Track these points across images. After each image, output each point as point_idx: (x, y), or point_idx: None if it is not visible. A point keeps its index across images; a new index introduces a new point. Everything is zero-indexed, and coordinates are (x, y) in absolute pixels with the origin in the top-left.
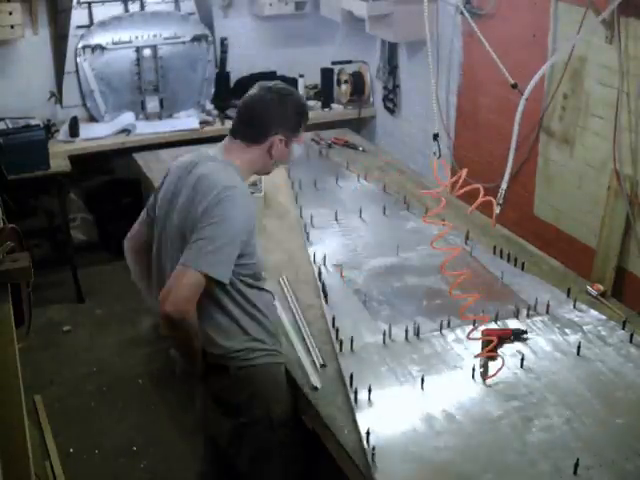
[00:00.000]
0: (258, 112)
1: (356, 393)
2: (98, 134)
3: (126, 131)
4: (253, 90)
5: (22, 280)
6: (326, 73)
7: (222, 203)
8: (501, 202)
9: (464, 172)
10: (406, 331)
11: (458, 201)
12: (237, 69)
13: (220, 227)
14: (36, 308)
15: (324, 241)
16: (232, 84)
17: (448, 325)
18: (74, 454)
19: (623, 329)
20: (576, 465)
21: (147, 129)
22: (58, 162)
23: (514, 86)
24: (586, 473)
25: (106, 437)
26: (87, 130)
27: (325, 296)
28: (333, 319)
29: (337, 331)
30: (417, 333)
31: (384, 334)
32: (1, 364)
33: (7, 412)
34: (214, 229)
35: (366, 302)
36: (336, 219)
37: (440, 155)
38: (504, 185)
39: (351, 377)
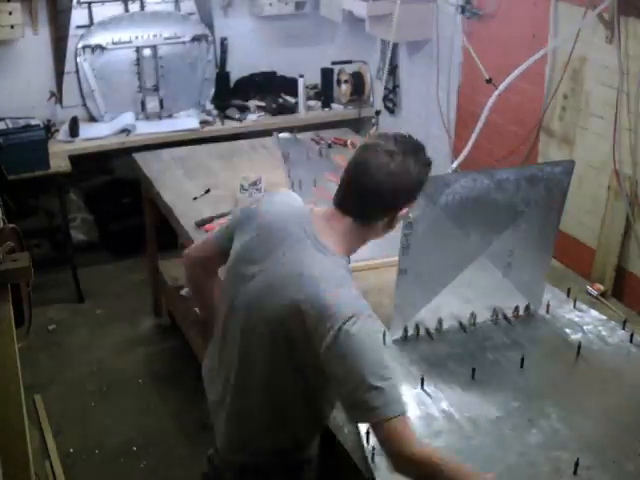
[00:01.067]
0: (381, 187)
1: None
2: (98, 134)
3: (126, 131)
4: (364, 152)
5: (22, 280)
6: (326, 73)
7: (354, 340)
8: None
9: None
10: (405, 330)
11: None
12: (237, 69)
13: (376, 369)
14: (36, 308)
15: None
16: (232, 84)
17: None
18: (74, 454)
19: (623, 329)
20: (576, 465)
21: (147, 129)
22: (58, 162)
23: (489, 81)
24: (586, 473)
25: (106, 437)
26: (87, 130)
27: None
28: None
29: None
30: (417, 332)
31: (384, 334)
32: (1, 364)
33: (7, 412)
34: (371, 374)
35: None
36: None
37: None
38: (454, 164)
39: None
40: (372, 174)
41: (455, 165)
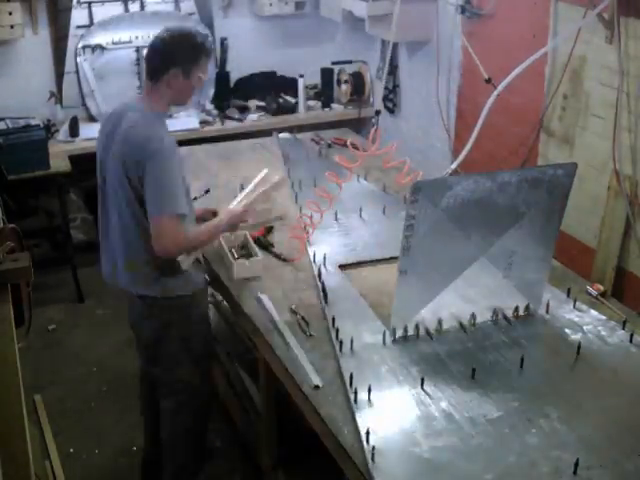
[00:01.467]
0: (153, 51)
1: (356, 393)
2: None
3: None
4: (156, 36)
5: (22, 280)
6: (326, 73)
7: (155, 156)
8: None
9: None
10: (405, 330)
11: None
12: (237, 69)
13: (164, 175)
14: (36, 308)
15: (324, 241)
16: (232, 84)
17: None
18: (74, 454)
19: (623, 329)
20: (576, 465)
21: None
22: (58, 162)
23: (488, 81)
24: (586, 473)
25: (106, 437)
26: (87, 130)
27: (325, 296)
28: (333, 319)
29: (337, 331)
30: (417, 333)
31: (384, 334)
32: (1, 364)
33: (7, 412)
34: (160, 178)
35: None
36: (336, 219)
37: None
38: (453, 165)
39: (351, 377)
40: (153, 46)
41: (454, 166)
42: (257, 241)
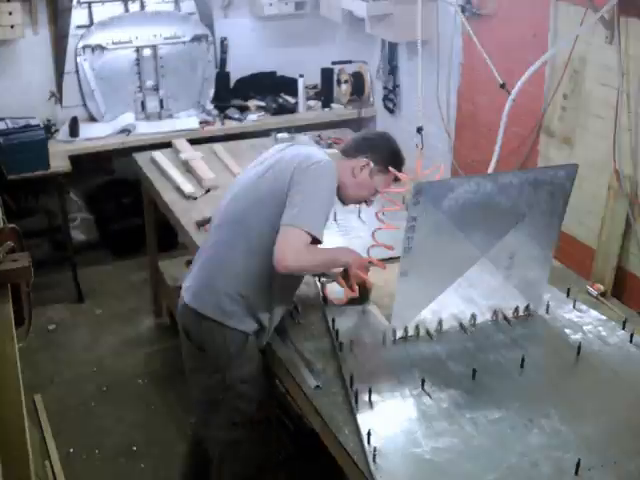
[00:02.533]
0: (363, 135)
1: (356, 394)
2: (98, 134)
3: (126, 131)
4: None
5: (22, 280)
6: (326, 73)
7: (317, 171)
8: None
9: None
10: (405, 331)
11: None
12: (237, 69)
13: (317, 193)
14: (36, 308)
15: (323, 242)
16: (232, 84)
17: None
18: (74, 454)
19: (623, 329)
20: (577, 465)
21: (147, 129)
22: (58, 162)
23: (502, 86)
24: (588, 474)
25: (106, 437)
26: (87, 130)
27: (324, 297)
28: (333, 320)
29: (337, 332)
30: (417, 333)
31: (384, 335)
32: (1, 364)
33: (7, 412)
34: (312, 194)
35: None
36: (335, 219)
37: (423, 147)
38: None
39: (351, 378)
40: (365, 132)
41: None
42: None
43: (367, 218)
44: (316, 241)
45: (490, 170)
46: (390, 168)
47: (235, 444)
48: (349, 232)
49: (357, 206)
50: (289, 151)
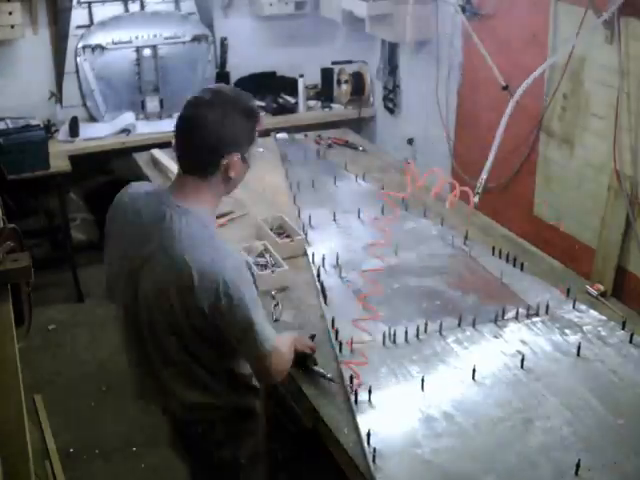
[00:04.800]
0: (198, 138)
1: (356, 394)
2: (98, 134)
3: (126, 131)
4: (187, 109)
5: (22, 280)
6: (326, 73)
7: (230, 290)
8: (480, 191)
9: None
10: (406, 332)
11: (460, 202)
12: (237, 69)
13: (246, 307)
14: (36, 308)
15: (323, 242)
16: (232, 84)
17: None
18: (74, 454)
19: (623, 329)
20: (577, 466)
21: (147, 129)
22: (58, 162)
23: (505, 88)
24: (587, 474)
25: (106, 437)
26: (87, 130)
27: (324, 297)
28: (332, 320)
29: (337, 332)
30: (417, 334)
31: (384, 335)
32: (1, 364)
33: (7, 412)
34: (244, 312)
35: (365, 303)
36: (334, 219)
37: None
38: (484, 175)
39: (351, 378)
40: (194, 128)
41: (485, 176)
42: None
43: (366, 218)
44: None
45: (487, 170)
46: (255, 131)
47: None
48: (348, 232)
49: (357, 208)
50: (182, 247)
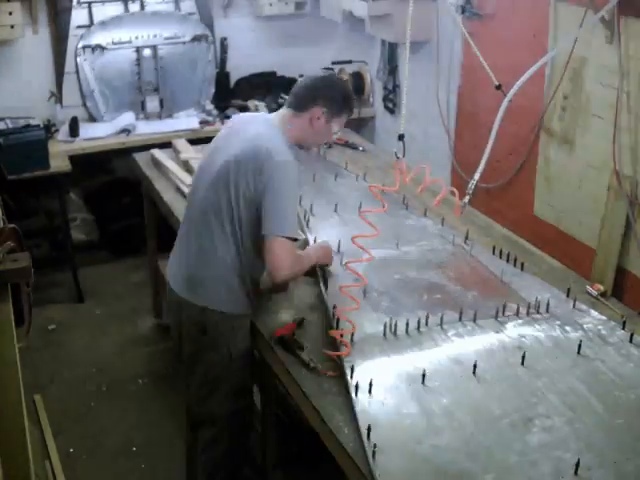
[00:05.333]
0: (307, 84)
1: (357, 388)
2: (98, 134)
3: (126, 131)
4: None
5: (22, 280)
6: None
7: (279, 172)
8: (470, 192)
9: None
10: (407, 325)
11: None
12: (237, 69)
13: (282, 194)
14: (36, 308)
15: (324, 230)
16: (232, 84)
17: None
18: (74, 454)
19: (623, 329)
20: (577, 465)
21: (147, 129)
22: (58, 162)
23: (498, 87)
24: (587, 473)
25: (106, 437)
26: (87, 130)
27: (325, 284)
28: (333, 316)
29: (337, 320)
30: (418, 327)
31: (385, 326)
32: (1, 364)
33: (7, 412)
34: (281, 198)
35: (366, 292)
36: (335, 210)
37: (404, 155)
38: (476, 176)
39: (352, 369)
40: (306, 80)
41: (477, 177)
42: (281, 340)
43: (368, 214)
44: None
45: (479, 171)
46: (344, 112)
47: (231, 415)
48: (348, 223)
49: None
50: (251, 139)
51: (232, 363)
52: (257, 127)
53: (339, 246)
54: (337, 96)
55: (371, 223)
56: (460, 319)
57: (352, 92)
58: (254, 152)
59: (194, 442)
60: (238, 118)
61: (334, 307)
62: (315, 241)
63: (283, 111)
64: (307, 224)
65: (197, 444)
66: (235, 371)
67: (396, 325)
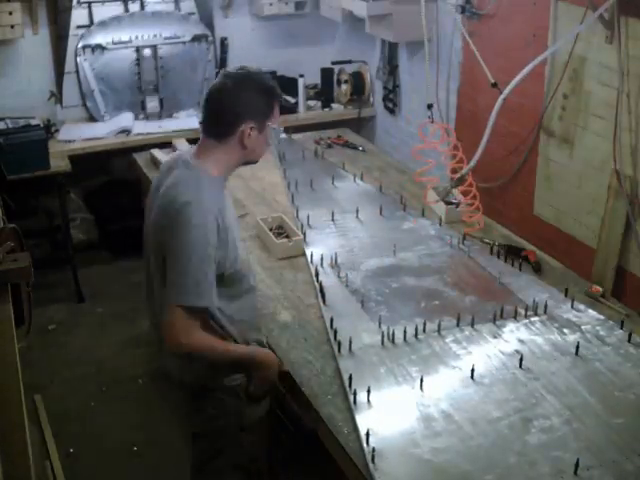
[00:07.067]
0: (219, 104)
1: (355, 394)
2: (98, 134)
3: (126, 131)
4: (215, 80)
5: (22, 280)
6: (326, 73)
7: (178, 226)
8: (459, 178)
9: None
10: (404, 332)
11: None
12: None
13: (184, 254)
14: (36, 308)
15: (321, 242)
16: None
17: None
18: (74, 454)
19: (621, 329)
20: (576, 465)
21: (147, 129)
22: (58, 162)
23: (494, 85)
24: (586, 473)
25: (106, 437)
26: (87, 130)
27: (323, 297)
28: (331, 320)
29: (335, 332)
30: (416, 334)
31: (382, 335)
32: (1, 364)
33: (7, 412)
34: (180, 257)
35: (364, 303)
36: (332, 219)
37: (433, 120)
38: (464, 171)
39: (350, 378)
40: (214, 98)
41: (465, 171)
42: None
43: (365, 218)
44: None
45: (466, 170)
46: (274, 107)
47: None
48: (347, 232)
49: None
50: (162, 194)
51: (243, 434)
52: (174, 175)
53: (336, 259)
54: (258, 99)
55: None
56: (458, 324)
57: (265, 75)
58: (164, 208)
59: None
60: (163, 165)
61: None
62: (312, 254)
63: (202, 142)
64: (305, 238)
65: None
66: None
67: (394, 334)
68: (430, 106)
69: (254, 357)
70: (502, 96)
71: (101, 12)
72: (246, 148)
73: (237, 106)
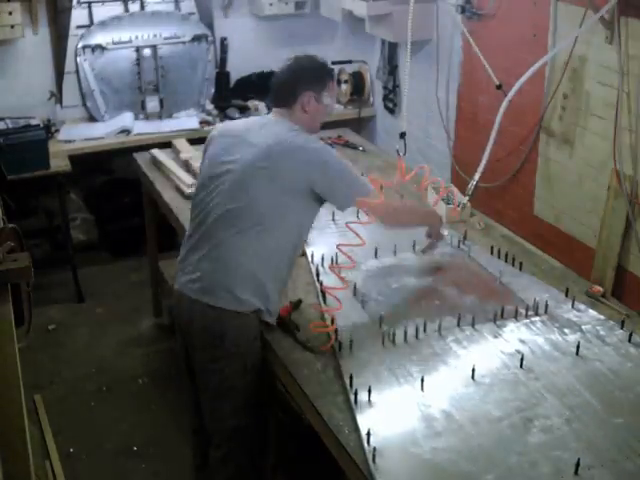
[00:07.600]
0: (282, 79)
1: (356, 394)
2: (98, 134)
3: (126, 131)
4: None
5: (22, 280)
6: None
7: (317, 153)
8: (470, 193)
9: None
10: (405, 332)
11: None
12: (237, 69)
13: (336, 167)
14: (36, 308)
15: (321, 241)
16: (232, 84)
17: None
18: (74, 454)
19: (622, 329)
20: (577, 465)
21: (147, 129)
22: (58, 162)
23: (499, 87)
24: (587, 473)
25: (106, 437)
26: (87, 130)
27: (323, 297)
28: (332, 320)
29: (336, 332)
30: (416, 334)
31: (383, 335)
32: (1, 364)
33: (7, 412)
34: (336, 169)
35: (364, 303)
36: (333, 219)
37: (405, 153)
38: (476, 176)
39: (351, 378)
40: (280, 74)
41: (477, 177)
42: (280, 321)
43: (365, 218)
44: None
45: (479, 171)
46: (328, 80)
47: (244, 429)
48: (346, 232)
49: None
50: (276, 137)
51: (247, 374)
52: (271, 129)
53: (336, 259)
54: (314, 71)
55: (357, 234)
56: (458, 324)
57: (320, 58)
58: (289, 150)
59: (203, 462)
60: (235, 125)
61: (321, 284)
62: (313, 254)
63: (274, 112)
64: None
65: (207, 464)
66: (250, 382)
67: (394, 334)
68: (403, 135)
69: (435, 211)
70: (507, 98)
71: (101, 12)
72: (307, 113)
73: (297, 77)
